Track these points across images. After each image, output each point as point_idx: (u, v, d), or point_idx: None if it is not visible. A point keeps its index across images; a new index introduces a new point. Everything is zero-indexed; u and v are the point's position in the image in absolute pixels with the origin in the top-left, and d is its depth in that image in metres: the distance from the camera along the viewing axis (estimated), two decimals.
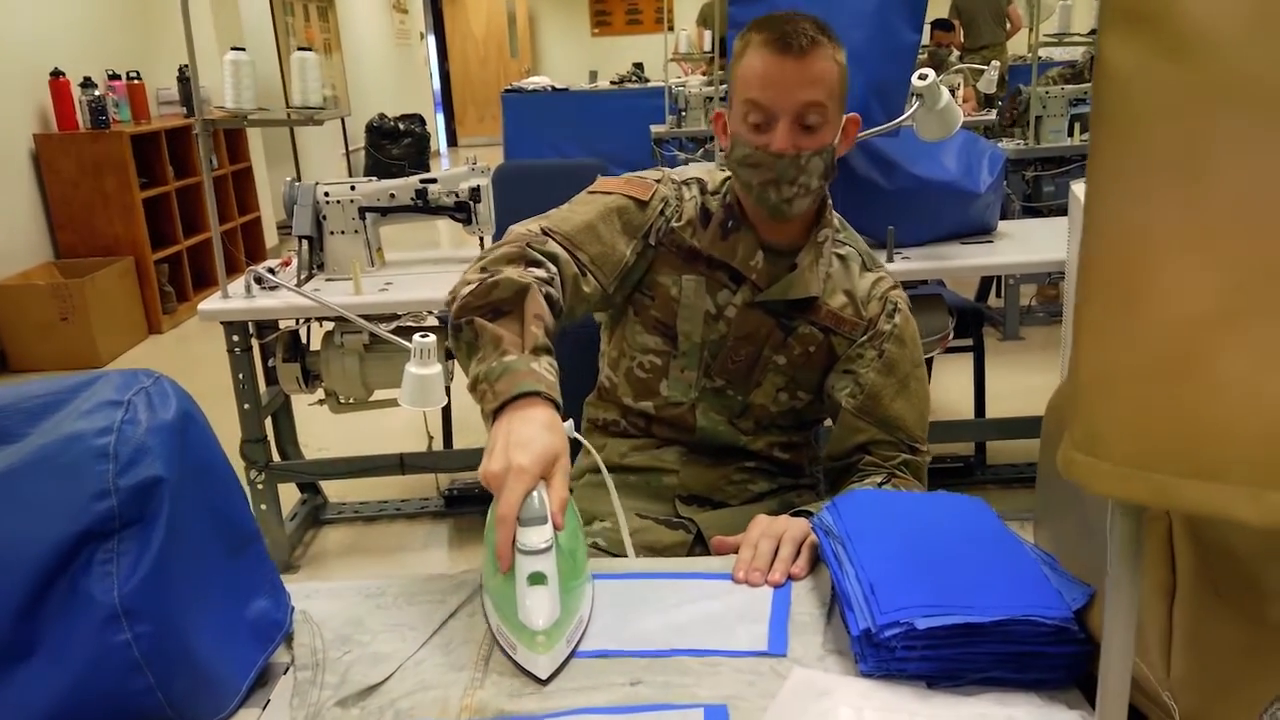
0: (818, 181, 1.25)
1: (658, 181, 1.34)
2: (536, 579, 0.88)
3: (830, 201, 1.35)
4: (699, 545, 1.34)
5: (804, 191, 1.24)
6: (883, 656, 0.83)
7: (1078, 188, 2.22)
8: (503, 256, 1.16)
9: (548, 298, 1.13)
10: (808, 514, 1.11)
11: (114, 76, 5.08)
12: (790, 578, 1.02)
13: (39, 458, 0.75)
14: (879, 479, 1.26)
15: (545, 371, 1.02)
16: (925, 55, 5.84)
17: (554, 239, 1.21)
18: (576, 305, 1.23)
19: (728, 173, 1.37)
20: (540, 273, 1.14)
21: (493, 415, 0.99)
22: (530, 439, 0.94)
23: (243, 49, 2.41)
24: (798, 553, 1.04)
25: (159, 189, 5.08)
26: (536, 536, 0.89)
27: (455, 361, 1.66)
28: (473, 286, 1.10)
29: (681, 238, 1.32)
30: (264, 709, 0.85)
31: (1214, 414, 0.48)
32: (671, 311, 1.33)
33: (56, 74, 4.68)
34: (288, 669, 0.89)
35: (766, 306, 1.31)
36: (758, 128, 1.21)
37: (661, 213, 1.32)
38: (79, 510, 0.74)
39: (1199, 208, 0.48)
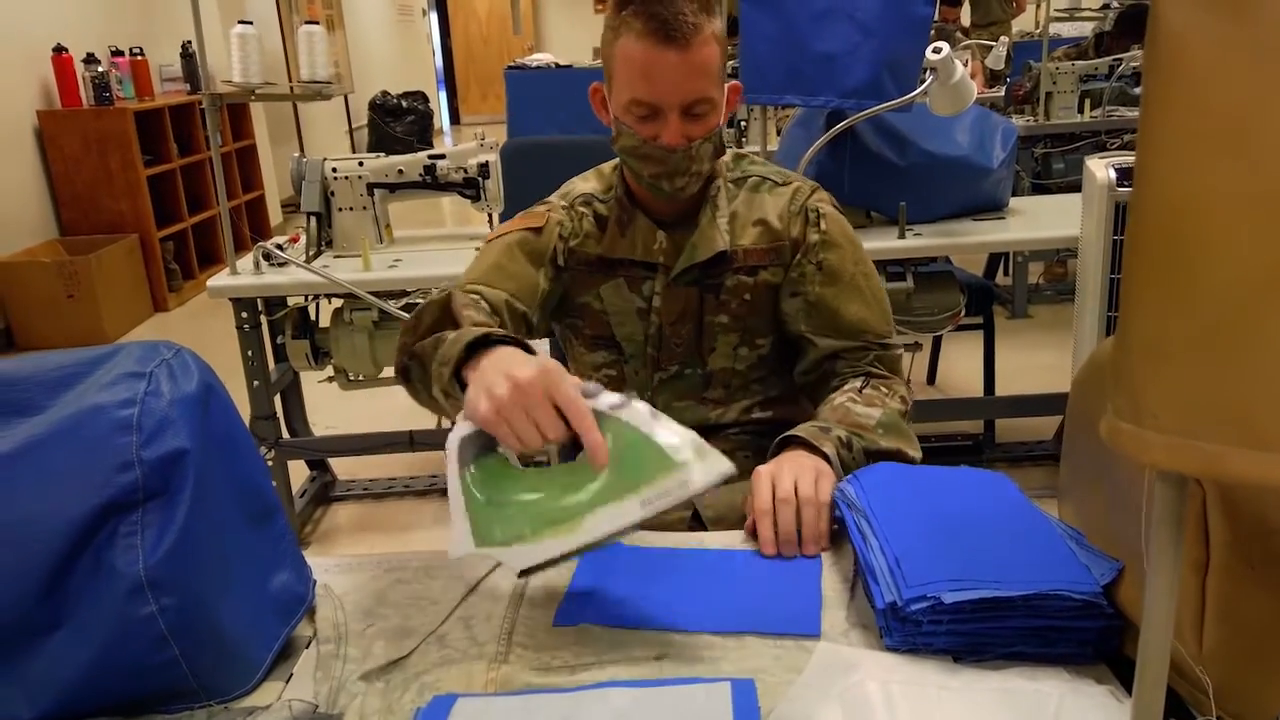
0: (709, 164, 1.24)
1: (548, 210, 1.34)
2: (652, 414, 0.85)
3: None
4: (698, 524, 1.34)
5: (697, 179, 1.24)
6: (909, 631, 0.82)
7: (1092, 164, 2.20)
8: (431, 304, 1.13)
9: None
10: (801, 441, 1.11)
11: (117, 53, 5.05)
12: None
13: (61, 430, 0.75)
14: (857, 383, 1.24)
15: (489, 329, 0.99)
16: (933, 31, 5.77)
17: (470, 285, 1.24)
18: (516, 329, 1.24)
19: (614, 164, 1.35)
20: (470, 311, 1.13)
21: (456, 380, 0.95)
22: (515, 359, 0.91)
23: (250, 22, 2.39)
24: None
25: (163, 166, 5.06)
26: (610, 396, 0.85)
27: None
28: (401, 330, 1.11)
29: (584, 253, 1.32)
30: (287, 682, 0.84)
31: (1269, 382, 0.47)
32: (604, 324, 1.33)
33: (59, 50, 4.65)
34: (310, 642, 0.89)
35: (684, 279, 1.30)
36: (643, 119, 1.19)
37: (560, 235, 1.32)
38: (102, 482, 0.73)
39: (1256, 170, 0.46)
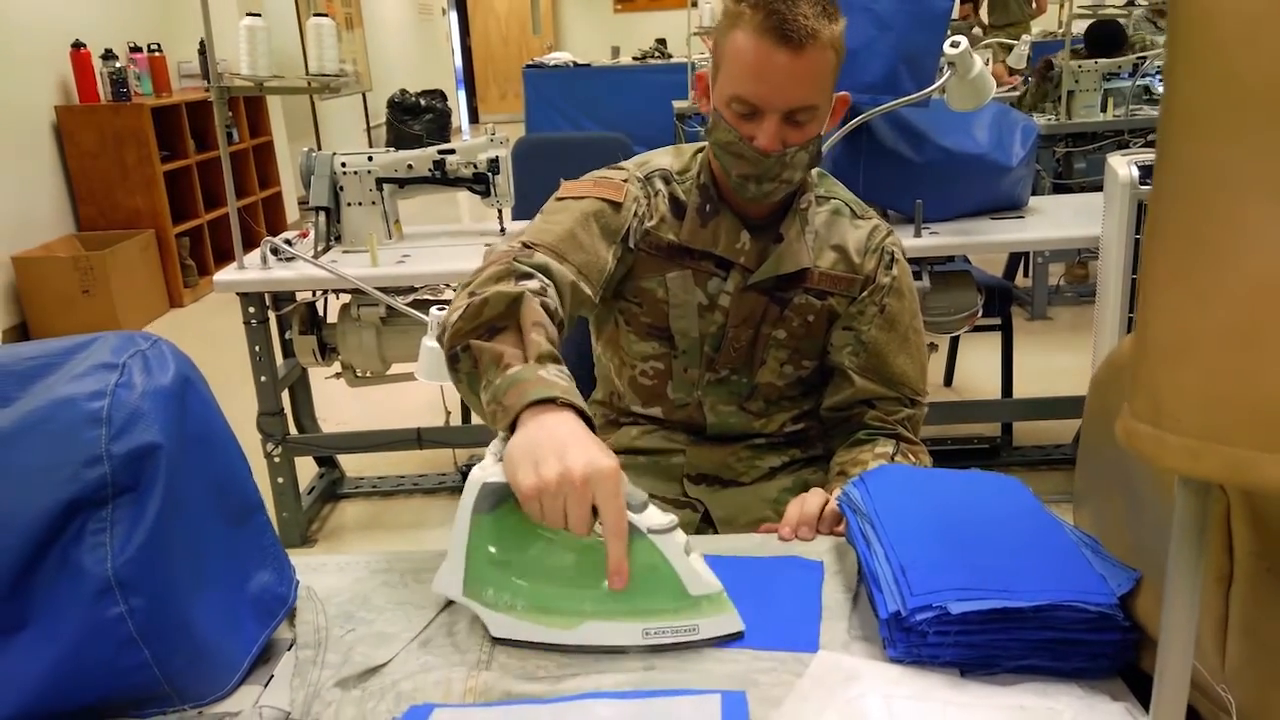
0: (801, 174, 1.20)
1: (625, 181, 1.26)
2: (686, 549, 0.83)
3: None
4: (707, 525, 1.31)
5: (786, 186, 1.20)
6: (913, 642, 0.78)
7: (1115, 160, 2.15)
8: (490, 276, 1.05)
9: (543, 308, 1.02)
10: None
11: (135, 49, 5.06)
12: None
13: (29, 423, 0.72)
14: (889, 449, 1.23)
15: (556, 378, 0.91)
16: (951, 30, 5.70)
17: (539, 250, 1.12)
18: (575, 313, 1.15)
19: (696, 147, 1.30)
20: (532, 284, 1.04)
21: (510, 431, 0.88)
22: (574, 437, 0.84)
23: (258, 14, 2.37)
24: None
25: (180, 162, 5.07)
26: (659, 516, 0.83)
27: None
28: (461, 310, 1.00)
29: (658, 236, 1.26)
30: (266, 686, 0.81)
31: None
32: (662, 313, 1.28)
33: (78, 45, 4.66)
34: (291, 645, 0.86)
35: (759, 286, 1.26)
36: (743, 116, 1.14)
37: (635, 213, 1.25)
38: (69, 477, 0.70)
39: None
